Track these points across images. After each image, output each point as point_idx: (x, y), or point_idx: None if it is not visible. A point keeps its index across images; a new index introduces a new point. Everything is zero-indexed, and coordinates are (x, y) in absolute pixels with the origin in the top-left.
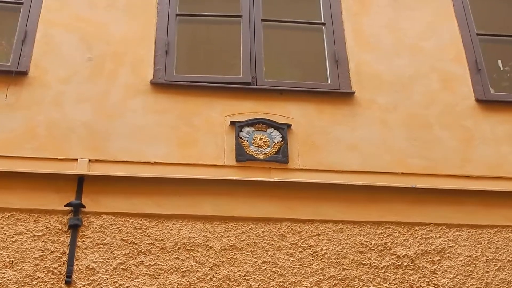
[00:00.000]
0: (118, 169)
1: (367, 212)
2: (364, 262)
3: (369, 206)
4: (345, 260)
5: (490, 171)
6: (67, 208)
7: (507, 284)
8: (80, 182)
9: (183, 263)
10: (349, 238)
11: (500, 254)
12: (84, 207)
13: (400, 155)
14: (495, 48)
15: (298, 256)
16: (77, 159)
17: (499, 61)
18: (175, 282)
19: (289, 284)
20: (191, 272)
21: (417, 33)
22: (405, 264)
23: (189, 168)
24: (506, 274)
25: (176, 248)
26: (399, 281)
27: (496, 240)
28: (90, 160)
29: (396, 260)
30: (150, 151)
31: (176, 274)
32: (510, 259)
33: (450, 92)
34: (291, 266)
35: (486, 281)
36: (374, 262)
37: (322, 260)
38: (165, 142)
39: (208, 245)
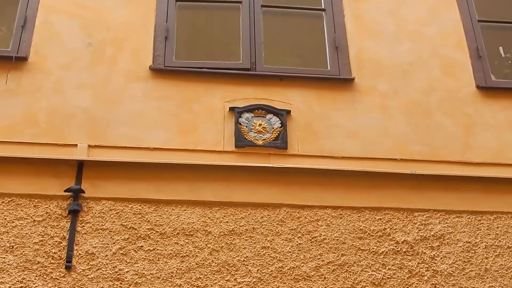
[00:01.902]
0: (117, 155)
1: (367, 198)
2: (363, 248)
3: (369, 192)
4: (344, 245)
5: (491, 158)
6: (67, 193)
7: (506, 270)
8: (80, 167)
9: (182, 248)
10: (348, 224)
11: (499, 240)
12: (84, 192)
13: (400, 142)
14: (497, 34)
15: (297, 242)
16: (76, 145)
17: (501, 48)
18: (174, 267)
19: (288, 269)
20: (190, 257)
21: (418, 19)
22: (404, 250)
23: (189, 154)
24: (506, 260)
25: (175, 233)
26: (398, 267)
27: (496, 226)
28: (89, 146)
29: (395, 246)
30: (150, 137)
31: (175, 259)
32: (509, 245)
33: (451, 79)
34: (290, 252)
35: (485, 267)
36: (373, 248)
37: (321, 245)
38: (164, 127)
39: (207, 230)
